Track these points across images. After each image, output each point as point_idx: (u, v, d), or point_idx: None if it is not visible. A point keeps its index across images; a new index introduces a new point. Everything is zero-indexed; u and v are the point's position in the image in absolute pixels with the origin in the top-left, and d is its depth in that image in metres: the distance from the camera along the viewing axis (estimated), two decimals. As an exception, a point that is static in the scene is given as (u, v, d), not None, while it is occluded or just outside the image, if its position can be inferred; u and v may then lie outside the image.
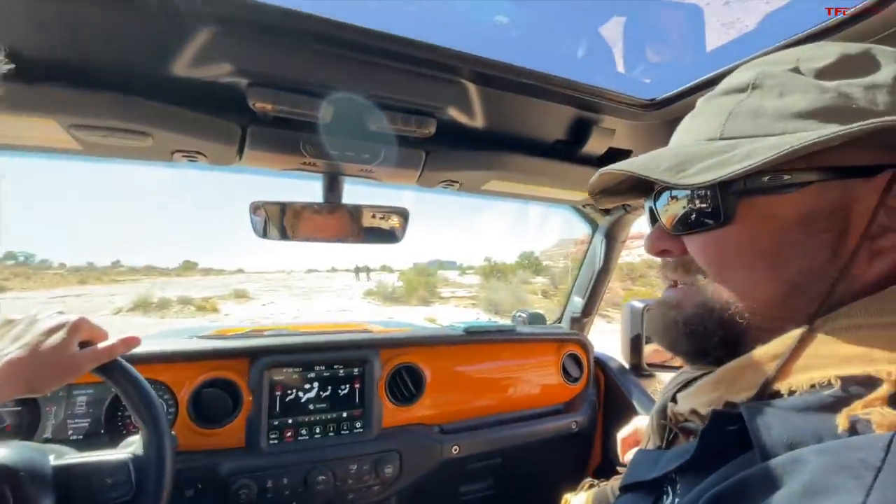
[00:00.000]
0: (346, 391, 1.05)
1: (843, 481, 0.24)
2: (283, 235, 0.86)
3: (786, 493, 0.26)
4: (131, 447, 0.72)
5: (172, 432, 0.72)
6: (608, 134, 0.90)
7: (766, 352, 0.37)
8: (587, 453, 1.38)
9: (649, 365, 1.34)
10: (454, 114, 0.77)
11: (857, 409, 0.29)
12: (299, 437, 0.99)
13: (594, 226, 1.40)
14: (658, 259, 0.48)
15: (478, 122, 0.83)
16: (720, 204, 0.38)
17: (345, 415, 1.04)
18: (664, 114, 0.85)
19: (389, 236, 0.89)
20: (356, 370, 1.07)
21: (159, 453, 0.68)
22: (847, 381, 0.31)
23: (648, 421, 0.56)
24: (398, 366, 1.13)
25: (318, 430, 1.01)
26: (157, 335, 1.22)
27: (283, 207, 0.85)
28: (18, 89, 0.60)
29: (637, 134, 0.93)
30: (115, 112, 0.64)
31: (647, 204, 0.48)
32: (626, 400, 1.30)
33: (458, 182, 0.98)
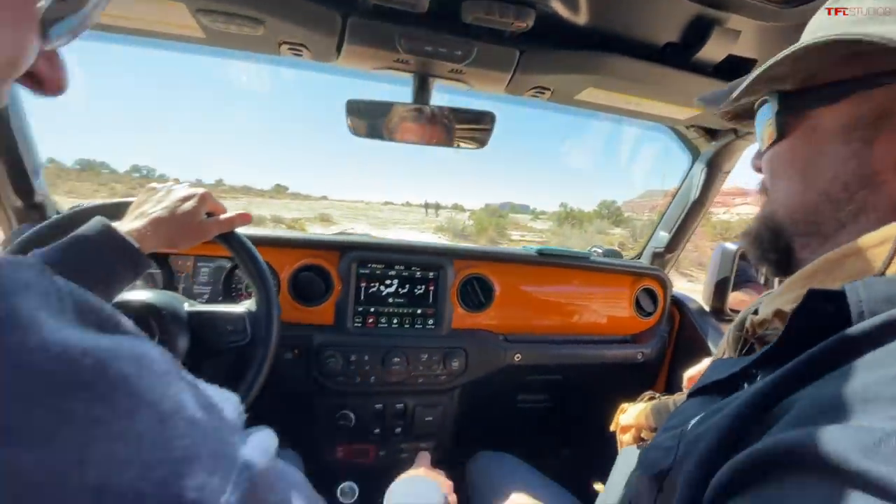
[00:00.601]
0: (421, 291, 1.13)
1: None
2: (378, 135, 0.90)
3: None
4: (246, 305, 0.86)
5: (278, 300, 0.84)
6: (731, 37, 0.78)
7: (872, 238, 0.34)
8: (649, 384, 1.37)
9: (732, 311, 1.27)
10: (556, 5, 0.72)
11: None
12: (379, 325, 1.11)
13: (695, 153, 1.27)
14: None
15: (581, 17, 0.76)
16: (775, 121, 0.42)
17: (419, 311, 1.13)
18: (805, 12, 0.72)
19: (477, 140, 0.90)
20: (431, 274, 1.14)
21: (269, 310, 0.81)
22: None
23: (725, 335, 0.55)
24: (470, 275, 1.18)
25: (395, 321, 1.12)
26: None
27: (379, 107, 0.88)
28: None
29: (765, 38, 0.80)
30: None
31: None
32: (701, 340, 1.26)
33: (549, 89, 0.93)
